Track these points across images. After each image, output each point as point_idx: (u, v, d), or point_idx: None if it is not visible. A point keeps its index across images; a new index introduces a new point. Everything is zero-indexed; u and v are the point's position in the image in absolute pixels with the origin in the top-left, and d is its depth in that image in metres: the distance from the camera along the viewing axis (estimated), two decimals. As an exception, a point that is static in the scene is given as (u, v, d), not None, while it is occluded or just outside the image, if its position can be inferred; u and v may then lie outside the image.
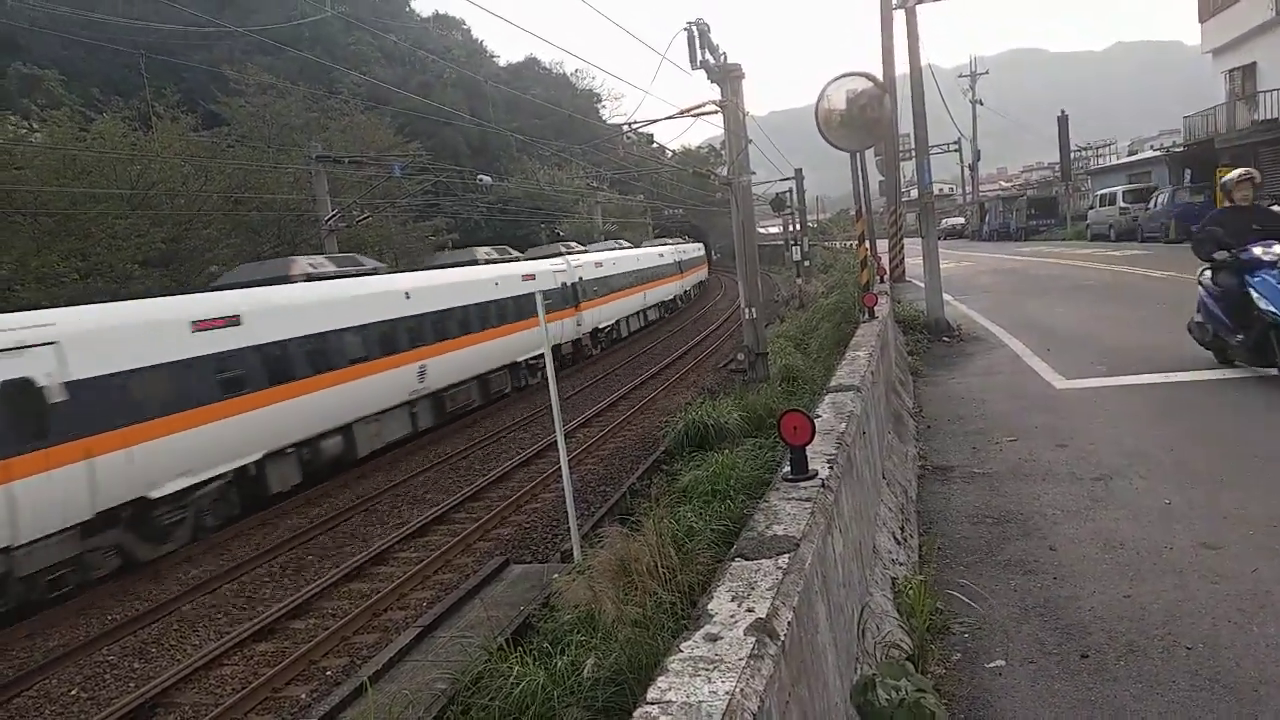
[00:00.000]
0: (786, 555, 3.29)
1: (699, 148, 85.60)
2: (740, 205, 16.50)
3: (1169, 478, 6.72)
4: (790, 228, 50.70)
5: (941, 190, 74.47)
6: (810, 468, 4.25)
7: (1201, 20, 34.85)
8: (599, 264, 31.68)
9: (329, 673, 8.68)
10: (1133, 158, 50.20)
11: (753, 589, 3.01)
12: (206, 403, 12.98)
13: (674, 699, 2.33)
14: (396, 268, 25.65)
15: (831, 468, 4.39)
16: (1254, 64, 31.26)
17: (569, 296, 27.56)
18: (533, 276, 25.10)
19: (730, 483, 8.12)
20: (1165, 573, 5.12)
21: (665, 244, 47.55)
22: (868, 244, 14.97)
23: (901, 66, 19.28)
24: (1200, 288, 10.04)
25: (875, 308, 11.33)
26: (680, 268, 46.60)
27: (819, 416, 5.48)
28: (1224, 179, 10.14)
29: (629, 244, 44.64)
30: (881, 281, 17.95)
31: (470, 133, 52.02)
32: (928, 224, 18.01)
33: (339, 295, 16.99)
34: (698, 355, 27.69)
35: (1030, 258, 32.43)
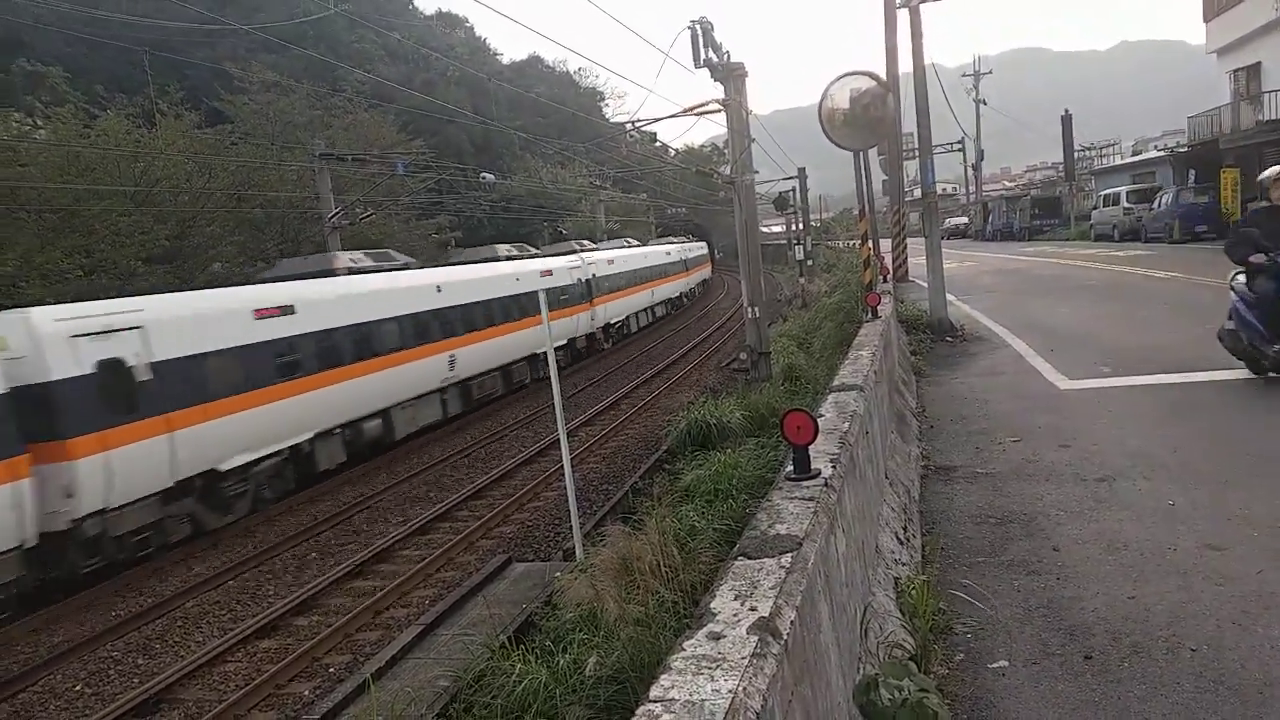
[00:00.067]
0: (789, 554, 3.29)
1: (702, 146, 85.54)
2: (743, 204, 16.48)
3: (1173, 478, 6.71)
4: (793, 227, 50.67)
5: (945, 190, 74.39)
6: (813, 467, 4.25)
7: (1206, 20, 34.75)
8: (611, 261, 32.72)
9: (332, 670, 8.69)
10: (1137, 158, 50.07)
11: (756, 588, 3.01)
12: (267, 384, 14.17)
13: (677, 697, 2.33)
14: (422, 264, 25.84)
15: (834, 467, 4.38)
16: (1259, 64, 31.18)
17: (584, 292, 28.58)
18: (550, 273, 26.19)
19: (733, 482, 8.12)
20: (1169, 574, 5.11)
21: (671, 243, 48.09)
22: (871, 243, 14.96)
23: (905, 65, 19.27)
24: (1233, 293, 9.29)
25: (878, 307, 11.32)
26: (686, 266, 47.64)
27: (822, 416, 5.47)
28: (1261, 175, 9.46)
29: (637, 242, 45.20)
30: (884, 281, 17.97)
31: (473, 131, 51.96)
32: (931, 223, 17.98)
33: (378, 288, 18.10)
34: (702, 353, 27.69)
35: (1034, 258, 32.41)
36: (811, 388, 12.05)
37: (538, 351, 23.79)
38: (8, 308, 12.46)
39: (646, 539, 5.99)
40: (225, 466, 13.29)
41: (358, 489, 15.32)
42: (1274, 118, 29.24)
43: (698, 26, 14.30)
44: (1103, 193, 41.80)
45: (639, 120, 19.12)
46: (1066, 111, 47.68)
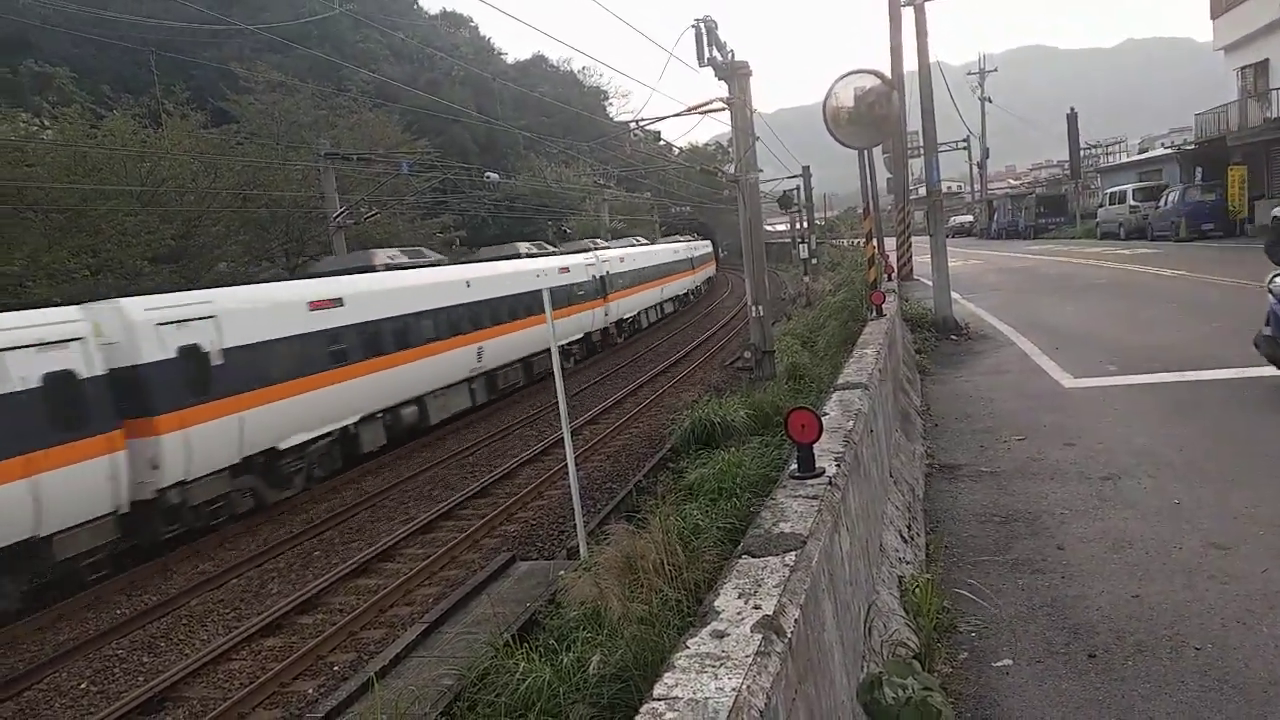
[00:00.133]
0: (793, 553, 3.29)
1: (706, 145, 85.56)
2: (747, 203, 16.48)
3: (1178, 477, 6.70)
4: (797, 225, 50.62)
5: (950, 188, 74.19)
6: (817, 466, 4.24)
7: (1213, 17, 34.61)
8: (623, 259, 33.61)
9: (336, 668, 8.70)
10: (1143, 155, 49.89)
11: (760, 586, 3.01)
12: (320, 371, 15.27)
13: (681, 695, 2.33)
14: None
15: (839, 466, 4.38)
16: (1267, 61, 31.03)
17: (598, 289, 29.58)
18: (568, 270, 27.23)
19: (737, 480, 8.11)
20: (1174, 573, 5.10)
21: (678, 241, 48.51)
22: (875, 242, 14.94)
23: (910, 64, 19.24)
24: (1271, 296, 8.85)
25: (883, 306, 11.31)
26: (692, 264, 48.53)
27: (826, 414, 5.47)
28: None
29: (646, 241, 45.73)
30: (889, 279, 17.94)
31: (478, 130, 52.03)
32: (936, 222, 17.96)
33: (415, 283, 19.23)
34: (707, 351, 27.67)
35: (1039, 256, 32.34)
36: (816, 386, 12.04)
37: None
38: (14, 308, 12.55)
39: (650, 537, 5.99)
40: (284, 445, 14.42)
41: (361, 487, 15.35)
42: (1281, 115, 29.14)
43: (702, 25, 14.30)
44: (1108, 191, 41.67)
45: (643, 119, 19.15)
46: (1072, 109, 47.56)
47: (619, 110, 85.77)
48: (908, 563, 5.41)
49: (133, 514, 11.93)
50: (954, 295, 16.95)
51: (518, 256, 26.73)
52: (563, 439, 9.56)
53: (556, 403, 9.37)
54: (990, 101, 56.25)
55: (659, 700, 2.32)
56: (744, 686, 2.34)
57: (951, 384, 11.62)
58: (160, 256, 23.93)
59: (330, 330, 15.66)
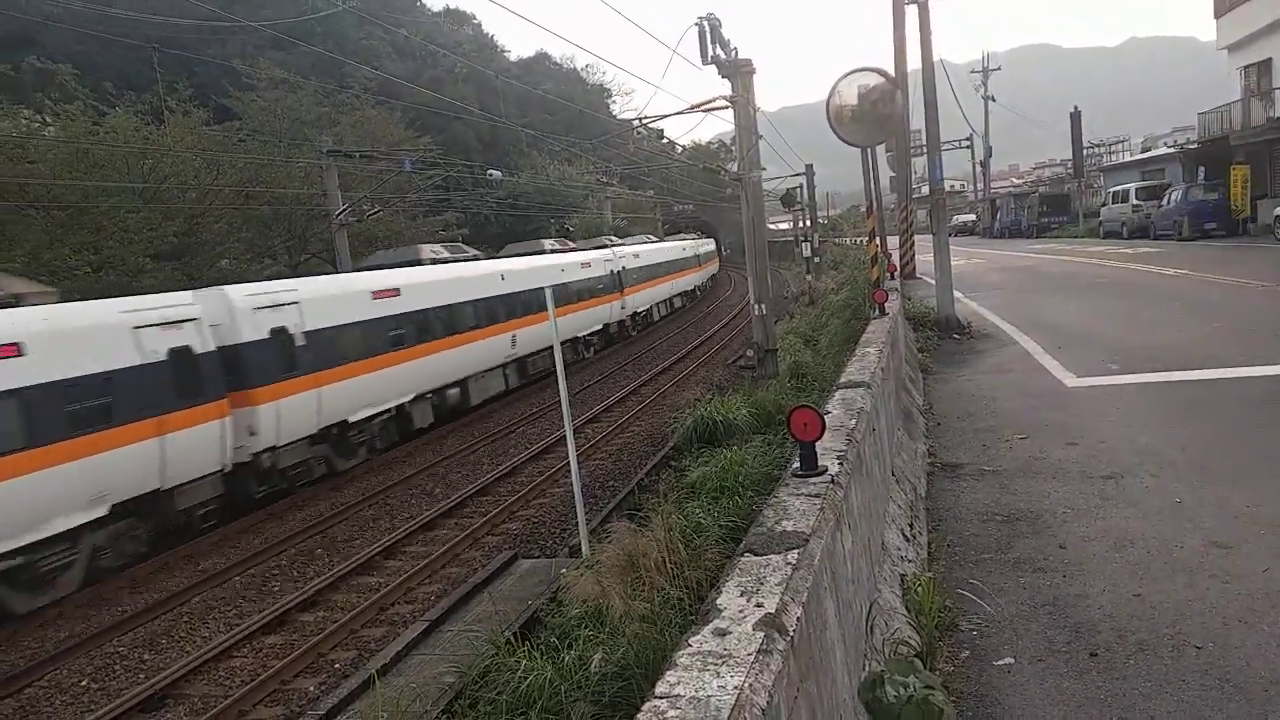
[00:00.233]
0: (796, 551, 3.29)
1: (709, 143, 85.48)
2: (750, 201, 16.47)
3: (1180, 476, 6.70)
4: (800, 224, 50.59)
5: (952, 187, 74.13)
6: (820, 464, 4.24)
7: (1217, 16, 34.53)
8: (637, 255, 35.22)
9: (337, 665, 8.71)
10: (1146, 154, 49.80)
11: (762, 584, 3.01)
12: (382, 353, 16.86)
13: (683, 693, 2.33)
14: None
15: (841, 464, 4.38)
16: (1269, 60, 30.97)
17: (615, 283, 31.12)
18: (589, 265, 28.73)
19: (739, 479, 8.11)
20: (1175, 572, 5.10)
21: (685, 239, 49.25)
22: (878, 240, 14.93)
23: (913, 62, 19.17)
24: None
25: (885, 304, 11.30)
26: (699, 261, 49.98)
27: (829, 413, 5.47)
28: None
29: (655, 239, 46.55)
30: (892, 278, 17.91)
31: (481, 128, 52.02)
32: (939, 220, 17.93)
33: (458, 276, 21.08)
34: (710, 349, 27.65)
35: (1042, 255, 32.31)
36: (818, 385, 12.03)
37: (580, 334, 27.26)
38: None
39: (652, 535, 5.99)
40: (353, 418, 16.03)
41: (362, 486, 15.35)
42: (1285, 114, 29.08)
43: (705, 23, 14.28)
44: (1111, 190, 41.58)
45: (646, 117, 19.17)
46: (1075, 108, 47.45)
47: (622, 108, 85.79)
48: (910, 561, 5.41)
49: (234, 473, 13.55)
50: (956, 294, 16.93)
51: (542, 252, 28.40)
52: (564, 437, 9.56)
53: (558, 401, 9.36)
54: (994, 100, 56.19)
55: (661, 698, 2.32)
56: (746, 684, 2.34)
57: (954, 383, 11.61)
58: (162, 253, 23.95)
59: (390, 317, 17.30)
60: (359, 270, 20.58)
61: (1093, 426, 8.44)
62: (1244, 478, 6.48)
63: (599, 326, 29.32)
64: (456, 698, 6.65)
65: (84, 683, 8.95)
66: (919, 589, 4.80)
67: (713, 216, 70.35)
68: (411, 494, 14.58)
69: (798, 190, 44.19)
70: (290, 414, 14.34)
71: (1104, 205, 40.89)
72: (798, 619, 2.82)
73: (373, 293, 17.07)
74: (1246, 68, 32.63)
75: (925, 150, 18.79)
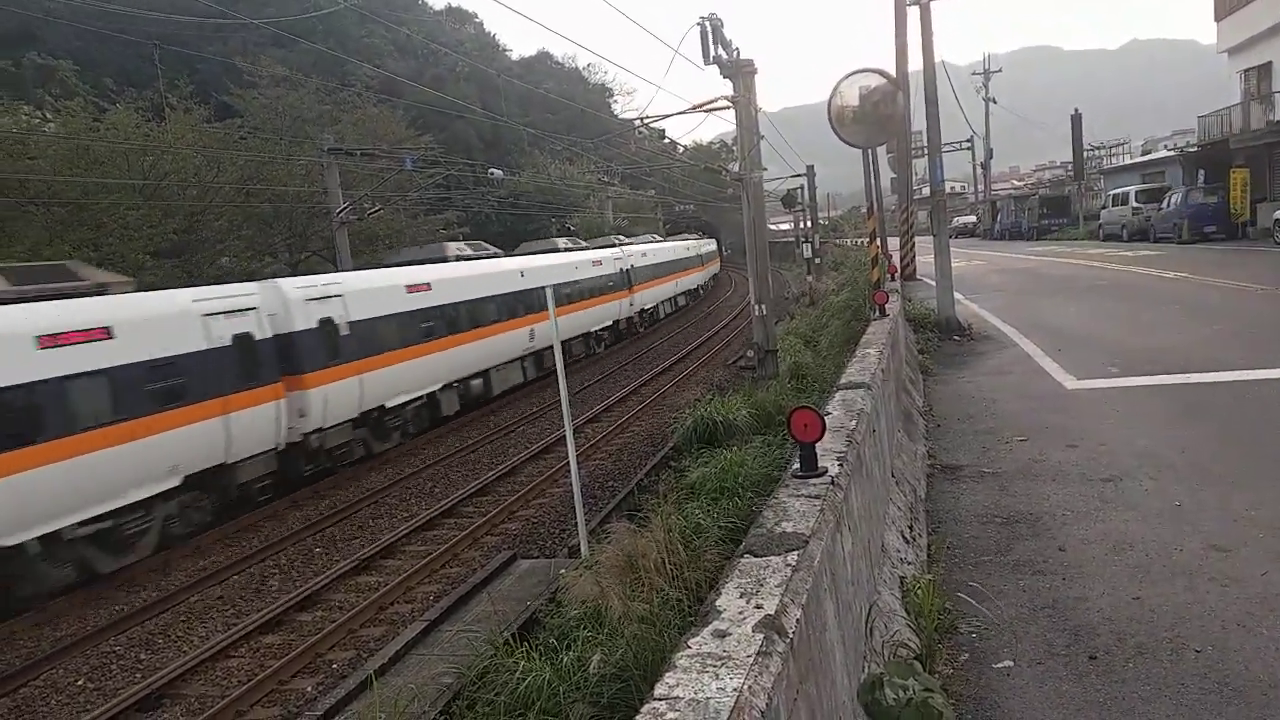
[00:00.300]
0: (795, 552, 3.28)
1: (711, 143, 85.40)
2: (751, 201, 16.46)
3: (1180, 479, 6.69)
4: (801, 224, 50.58)
5: (953, 188, 74.09)
6: (820, 465, 4.23)
7: (1217, 19, 34.53)
8: (645, 254, 36.43)
9: (335, 665, 8.69)
10: (1146, 157, 49.77)
11: (761, 586, 3.00)
12: (415, 344, 17.89)
13: (682, 695, 2.32)
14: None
15: (841, 465, 4.37)
16: (1269, 64, 30.96)
17: (625, 281, 32.16)
18: (600, 263, 29.68)
19: (739, 479, 8.10)
20: (1175, 575, 5.10)
21: (687, 240, 49.85)
22: (879, 241, 14.92)
23: (915, 63, 19.16)
24: None
25: (886, 305, 11.30)
26: (702, 261, 51.24)
27: (829, 414, 5.46)
28: None
29: (660, 239, 47.30)
30: (892, 279, 17.91)
31: (482, 126, 52.00)
32: (939, 222, 17.92)
33: (482, 272, 22.16)
34: (710, 349, 27.65)
35: (1042, 257, 32.31)
36: (818, 386, 12.03)
37: (591, 329, 28.50)
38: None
39: (652, 536, 5.98)
40: (390, 404, 17.03)
41: (363, 484, 15.35)
42: (1285, 118, 29.07)
43: (707, 23, 14.27)
44: (1112, 192, 41.57)
45: (648, 117, 19.17)
46: (1076, 110, 47.45)
47: (624, 108, 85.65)
48: (909, 563, 5.40)
49: (286, 452, 14.57)
50: (957, 295, 16.93)
51: (556, 250, 29.49)
52: (564, 437, 9.55)
53: (558, 401, 9.35)
54: (994, 102, 56.21)
55: (660, 700, 2.32)
56: (745, 686, 2.33)
57: (954, 384, 11.61)
58: (163, 251, 23.92)
59: (422, 310, 18.33)
60: (386, 266, 21.54)
61: (1093, 429, 8.44)
62: (1244, 481, 6.48)
63: (609, 322, 30.36)
64: (455, 698, 6.65)
65: (80, 682, 8.93)
66: (918, 591, 4.80)
67: (714, 217, 70.37)
68: (411, 493, 14.57)
69: (799, 191, 44.20)
70: (336, 398, 15.36)
71: (1104, 208, 40.90)
72: (797, 621, 2.81)
73: (407, 287, 18.09)
74: (1246, 71, 32.63)
75: (926, 151, 18.80)
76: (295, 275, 20.94)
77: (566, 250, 29.95)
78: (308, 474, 15.12)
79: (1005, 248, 43.27)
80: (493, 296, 21.52)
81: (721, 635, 2.66)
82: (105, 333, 11.44)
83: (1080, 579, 5.22)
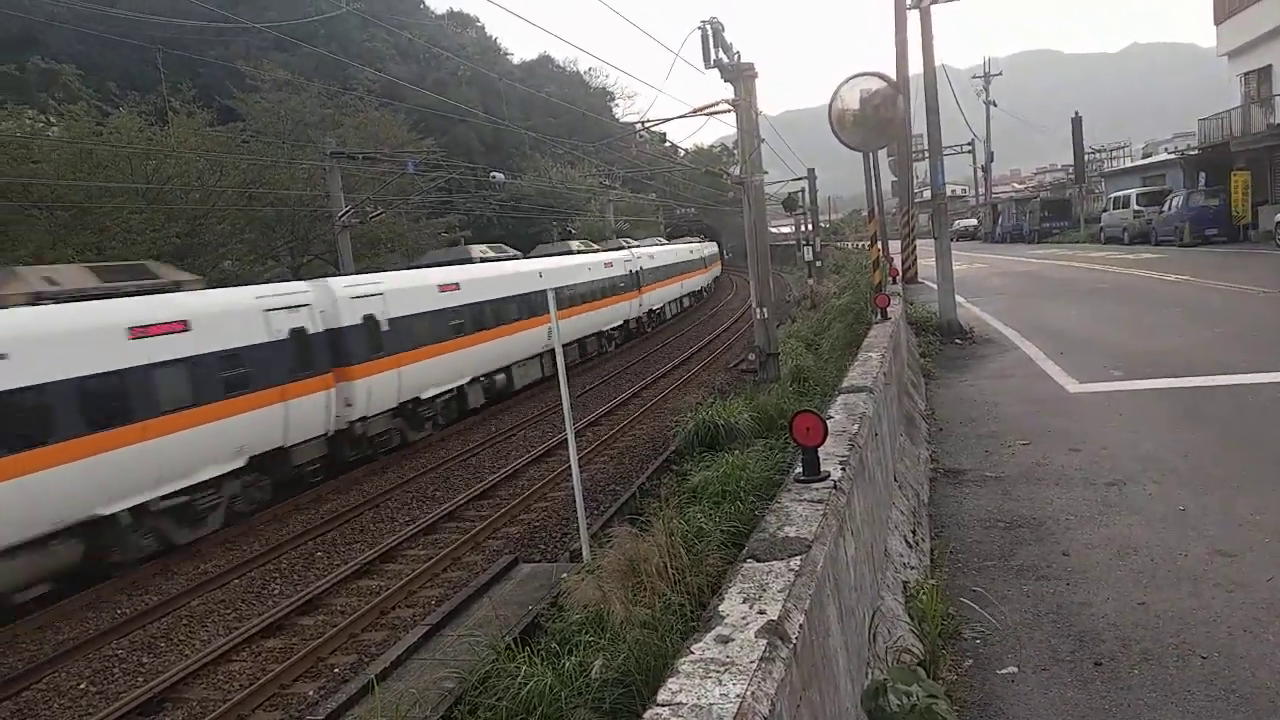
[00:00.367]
0: (798, 557, 3.27)
1: (712, 147, 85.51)
2: (752, 205, 16.47)
3: (1184, 483, 6.67)
4: (802, 228, 50.60)
5: (954, 192, 74.06)
6: (822, 469, 4.22)
7: (1217, 22, 34.53)
8: (653, 256, 37.62)
9: (336, 670, 8.68)
10: (1147, 160, 49.78)
11: (764, 591, 2.99)
12: (447, 339, 19.02)
13: (684, 701, 2.31)
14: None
15: (844, 469, 4.36)
16: (1270, 67, 30.96)
17: (634, 282, 33.31)
18: (611, 265, 30.79)
19: (741, 484, 8.08)
20: (1179, 580, 5.08)
21: (689, 243, 50.31)
22: (880, 245, 14.91)
23: (915, 66, 19.17)
24: None
25: (887, 309, 11.29)
26: (705, 263, 52.26)
27: (831, 418, 5.45)
28: None
29: (665, 242, 47.85)
30: (894, 283, 17.89)
31: (484, 130, 52.06)
32: (940, 225, 17.91)
33: (505, 273, 23.44)
34: (711, 353, 27.64)
35: (1043, 260, 32.29)
36: (820, 389, 12.00)
37: (603, 329, 29.56)
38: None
39: (654, 540, 5.97)
40: (425, 395, 18.13)
41: (364, 488, 15.34)
42: (1285, 121, 29.05)
43: (708, 27, 14.30)
44: (1112, 195, 41.55)
45: (649, 120, 19.22)
46: (1076, 113, 47.45)
47: (625, 111, 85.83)
48: (912, 568, 5.38)
49: (334, 438, 15.70)
50: (958, 299, 16.91)
51: (569, 253, 30.39)
52: (566, 440, 9.54)
53: (560, 404, 9.34)
54: (995, 105, 56.22)
55: (663, 706, 2.30)
56: (748, 692, 2.32)
57: (956, 388, 11.59)
58: (165, 254, 23.88)
59: (453, 308, 19.43)
60: (419, 266, 22.92)
61: (1095, 432, 8.41)
62: (1248, 485, 6.46)
63: (620, 322, 31.51)
64: (456, 703, 6.63)
65: (82, 686, 8.92)
66: (922, 596, 4.78)
67: (715, 220, 70.35)
68: (412, 497, 14.55)
69: (800, 194, 44.25)
70: (378, 389, 16.47)
71: (1105, 211, 40.89)
72: (800, 626, 2.80)
73: (439, 286, 19.28)
74: (1247, 74, 32.64)
75: (927, 155, 18.79)
76: (297, 279, 21.03)
77: (580, 252, 30.89)
78: (351, 459, 16.22)
79: (1006, 251, 43.24)
80: (515, 296, 22.52)
81: (724, 641, 2.64)
82: (183, 325, 12.66)
83: (1084, 584, 5.19)
